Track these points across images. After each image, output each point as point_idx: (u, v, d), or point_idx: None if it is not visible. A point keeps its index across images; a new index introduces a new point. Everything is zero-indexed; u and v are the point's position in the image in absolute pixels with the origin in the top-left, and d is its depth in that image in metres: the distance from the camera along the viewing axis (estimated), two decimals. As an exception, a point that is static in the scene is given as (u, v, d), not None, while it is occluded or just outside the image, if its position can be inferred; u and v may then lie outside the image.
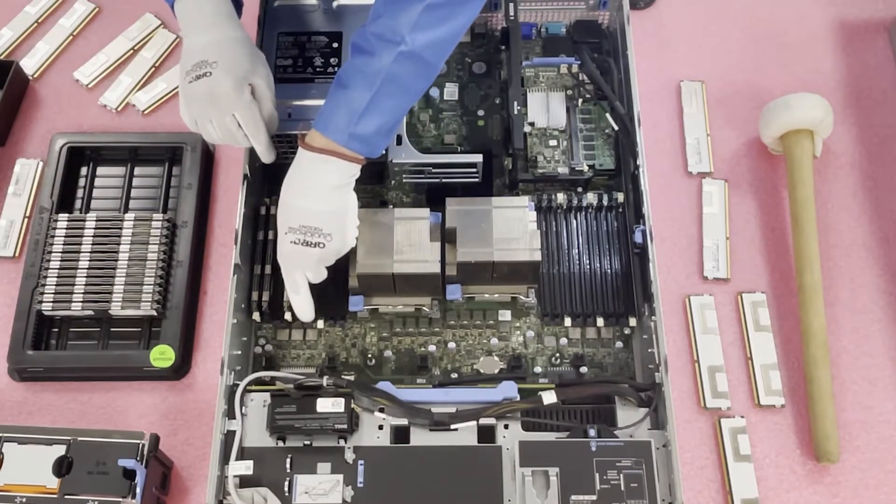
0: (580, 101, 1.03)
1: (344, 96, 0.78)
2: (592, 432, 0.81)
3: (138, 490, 0.80)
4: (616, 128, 1.00)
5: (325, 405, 0.81)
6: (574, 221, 0.96)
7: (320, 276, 0.85)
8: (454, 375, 0.92)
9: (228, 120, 0.82)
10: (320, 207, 0.81)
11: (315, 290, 0.86)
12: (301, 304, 0.86)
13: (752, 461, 0.90)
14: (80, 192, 1.04)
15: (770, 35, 1.15)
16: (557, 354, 0.92)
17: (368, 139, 0.79)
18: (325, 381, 0.83)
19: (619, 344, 0.93)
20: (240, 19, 0.86)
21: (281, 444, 0.82)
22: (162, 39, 1.15)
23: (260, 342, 0.93)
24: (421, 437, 0.82)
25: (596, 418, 0.84)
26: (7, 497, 0.81)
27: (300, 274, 0.84)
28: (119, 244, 0.97)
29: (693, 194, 1.05)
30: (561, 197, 0.97)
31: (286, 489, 0.80)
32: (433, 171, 0.93)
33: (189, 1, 0.83)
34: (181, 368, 0.95)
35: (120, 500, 0.81)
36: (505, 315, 0.94)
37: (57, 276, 0.95)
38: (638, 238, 0.91)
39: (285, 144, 0.91)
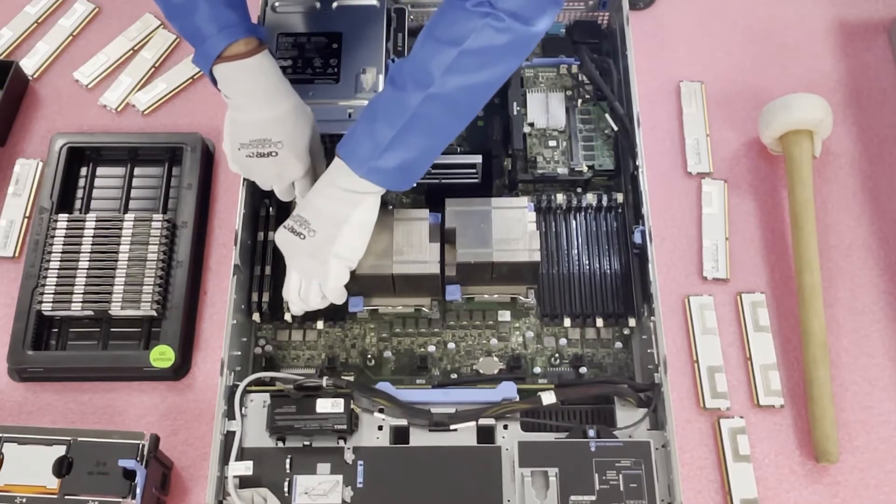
0: (580, 101, 1.03)
1: (370, 128, 0.78)
2: (592, 433, 0.81)
3: (138, 490, 0.80)
4: (615, 128, 1.00)
5: (324, 406, 0.81)
6: (574, 222, 0.96)
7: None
8: (454, 376, 0.92)
9: (288, 186, 0.86)
10: (321, 207, 0.81)
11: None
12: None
13: (752, 461, 0.90)
14: (80, 193, 1.04)
15: (770, 35, 1.15)
16: (557, 355, 0.92)
17: (389, 174, 0.79)
18: (324, 381, 0.83)
19: (618, 344, 0.93)
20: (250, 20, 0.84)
21: (281, 444, 0.82)
22: (162, 39, 1.15)
23: (260, 343, 0.93)
24: (420, 438, 0.82)
25: (595, 419, 0.84)
26: (7, 497, 0.81)
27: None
28: (119, 244, 0.97)
29: (693, 194, 1.05)
30: (560, 197, 0.97)
31: (286, 489, 0.80)
32: (433, 171, 0.93)
33: (234, 70, 0.81)
34: (181, 369, 0.95)
35: (120, 500, 0.81)
36: (504, 315, 0.94)
37: (57, 276, 0.95)
38: (637, 238, 0.91)
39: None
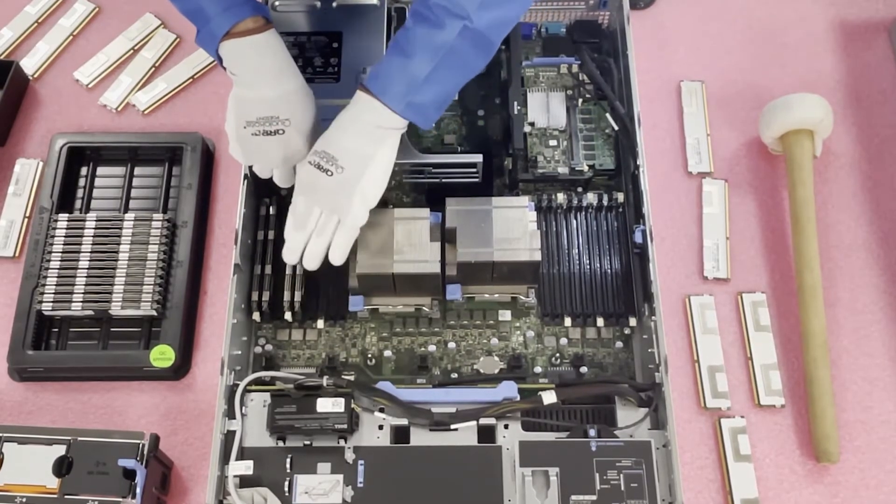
0: (580, 101, 1.03)
1: (403, 63, 0.77)
2: (592, 432, 0.81)
3: (138, 490, 0.80)
4: (616, 128, 1.00)
5: (325, 405, 0.81)
6: (574, 221, 0.96)
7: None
8: (454, 375, 0.92)
9: (289, 169, 0.85)
10: (347, 144, 0.81)
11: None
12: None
13: (752, 461, 0.90)
14: (80, 192, 1.04)
15: (770, 35, 1.15)
16: (557, 354, 0.92)
17: (424, 109, 0.79)
18: (325, 381, 0.83)
19: (619, 344, 0.93)
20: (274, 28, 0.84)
21: (281, 444, 0.82)
22: (162, 39, 1.15)
23: (260, 342, 0.93)
24: (421, 437, 0.82)
25: (596, 418, 0.84)
26: (7, 497, 0.81)
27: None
28: (119, 244, 0.97)
29: (693, 194, 1.05)
30: (561, 197, 0.97)
31: (286, 489, 0.80)
32: (433, 171, 0.93)
33: (241, 46, 0.81)
34: (181, 368, 0.95)
35: (120, 500, 0.81)
36: (505, 315, 0.94)
37: (57, 276, 0.95)
38: (638, 238, 0.91)
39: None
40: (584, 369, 0.92)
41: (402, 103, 0.78)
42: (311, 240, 0.83)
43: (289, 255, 0.85)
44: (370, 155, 0.81)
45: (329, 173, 0.81)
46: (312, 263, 0.84)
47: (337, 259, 0.84)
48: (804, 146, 1.01)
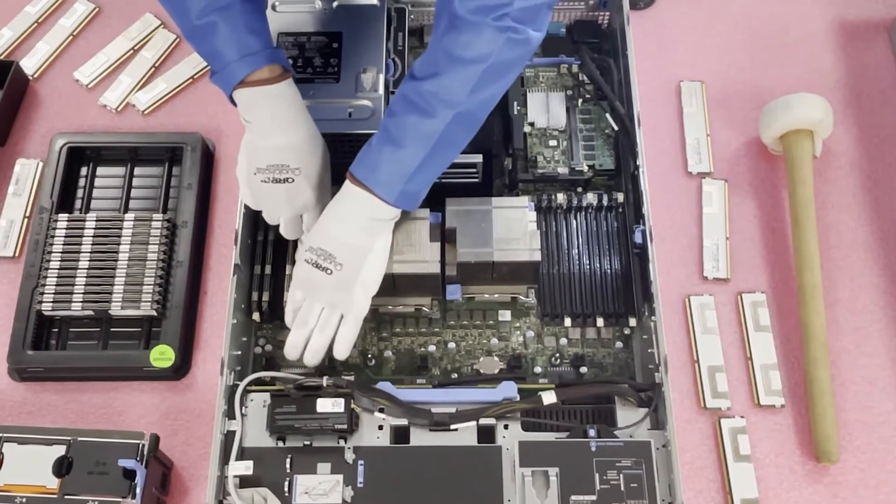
0: (580, 101, 1.03)
1: (395, 154, 0.77)
2: (592, 432, 0.81)
3: (138, 490, 0.80)
4: (616, 128, 1.00)
5: (325, 405, 0.81)
6: (574, 221, 0.96)
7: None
8: (454, 375, 0.92)
9: (295, 216, 0.85)
10: (344, 239, 0.81)
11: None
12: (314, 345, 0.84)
13: (752, 461, 0.90)
14: (80, 192, 1.04)
15: (770, 35, 1.15)
16: (557, 354, 0.92)
17: (416, 195, 0.80)
18: (325, 381, 0.83)
19: (619, 344, 0.93)
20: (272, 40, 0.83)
21: (281, 444, 0.82)
22: (162, 39, 1.15)
23: (260, 342, 0.93)
24: (421, 438, 0.82)
25: (596, 418, 0.84)
26: (7, 497, 0.81)
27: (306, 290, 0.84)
28: (119, 244, 0.97)
29: (693, 194, 1.05)
30: (561, 197, 0.96)
31: (286, 489, 0.80)
32: (433, 171, 0.93)
33: (255, 96, 0.80)
34: (181, 368, 0.95)
35: (120, 500, 0.81)
36: (505, 315, 0.94)
37: (57, 276, 0.95)
38: (638, 238, 0.91)
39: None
40: (584, 369, 0.92)
41: (394, 194, 0.78)
42: (313, 336, 0.84)
43: (291, 351, 0.85)
44: (367, 248, 0.81)
45: (328, 272, 0.81)
46: (314, 360, 0.85)
47: (342, 353, 0.84)
48: (804, 146, 1.01)
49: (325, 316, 0.83)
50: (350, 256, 0.81)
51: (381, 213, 0.80)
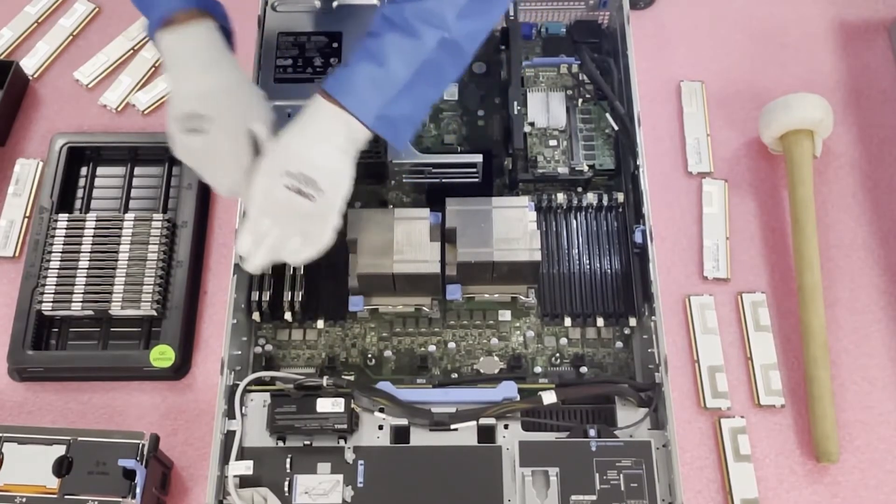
0: (580, 101, 1.03)
1: (375, 72, 0.72)
2: (592, 432, 0.81)
3: (138, 490, 0.80)
4: (616, 128, 1.00)
5: (325, 405, 0.81)
6: (574, 221, 0.96)
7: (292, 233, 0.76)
8: (454, 375, 0.92)
9: (221, 175, 0.77)
10: (324, 163, 0.74)
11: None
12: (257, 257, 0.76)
13: (752, 461, 0.90)
14: (80, 192, 1.04)
15: (770, 35, 1.15)
16: (557, 354, 0.92)
17: (396, 123, 0.74)
18: (325, 381, 0.83)
19: (619, 344, 0.93)
20: (233, 52, 0.79)
21: (281, 444, 0.82)
22: (162, 39, 1.15)
23: (260, 342, 0.93)
24: (421, 437, 0.82)
25: (596, 418, 0.84)
26: (7, 497, 0.81)
27: (272, 222, 0.75)
28: (119, 244, 0.97)
29: (693, 194, 1.05)
30: (561, 197, 0.96)
31: (286, 489, 0.80)
32: (433, 171, 0.93)
33: (175, 36, 0.75)
34: (181, 368, 0.95)
35: (120, 500, 0.81)
36: (505, 315, 0.94)
37: (57, 276, 0.95)
38: (638, 238, 0.91)
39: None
40: (584, 369, 0.92)
41: (371, 116, 0.73)
42: (262, 251, 0.76)
43: (257, 264, 0.77)
44: (344, 170, 0.75)
45: (312, 198, 0.73)
46: (256, 269, 0.78)
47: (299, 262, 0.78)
48: (804, 146, 1.01)
49: (288, 243, 0.76)
50: (331, 182, 0.74)
51: (354, 133, 0.73)
